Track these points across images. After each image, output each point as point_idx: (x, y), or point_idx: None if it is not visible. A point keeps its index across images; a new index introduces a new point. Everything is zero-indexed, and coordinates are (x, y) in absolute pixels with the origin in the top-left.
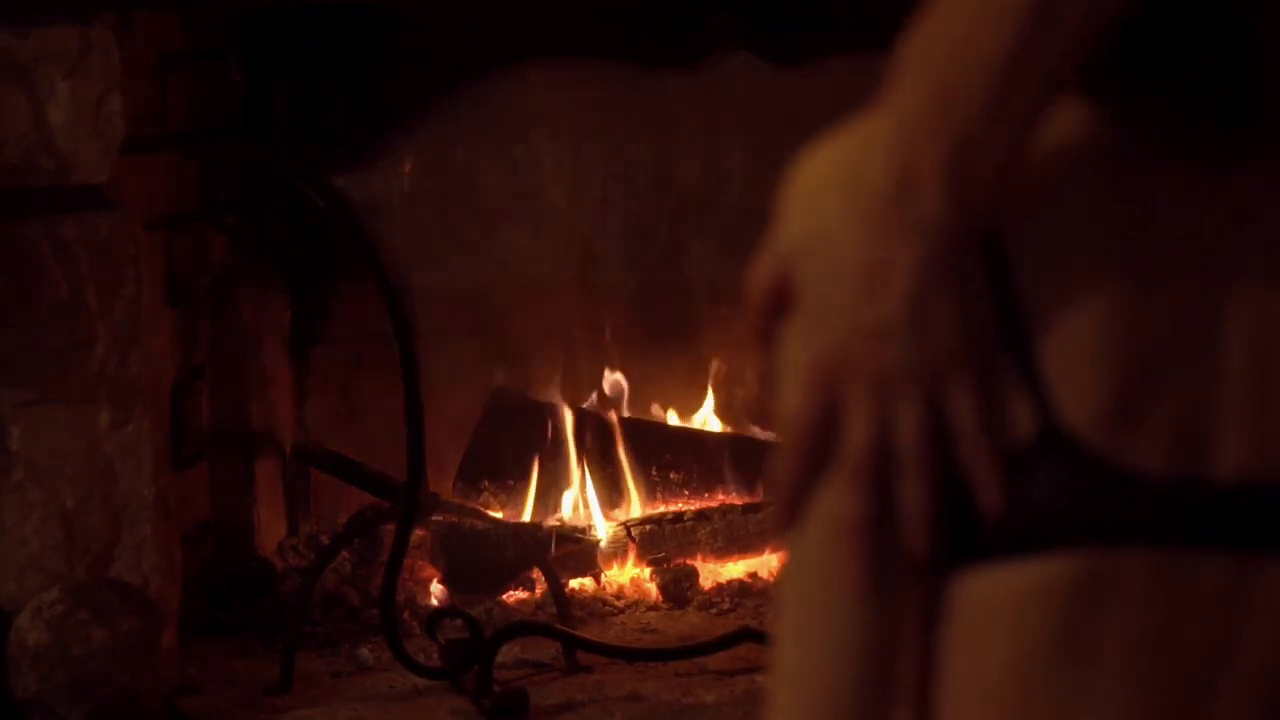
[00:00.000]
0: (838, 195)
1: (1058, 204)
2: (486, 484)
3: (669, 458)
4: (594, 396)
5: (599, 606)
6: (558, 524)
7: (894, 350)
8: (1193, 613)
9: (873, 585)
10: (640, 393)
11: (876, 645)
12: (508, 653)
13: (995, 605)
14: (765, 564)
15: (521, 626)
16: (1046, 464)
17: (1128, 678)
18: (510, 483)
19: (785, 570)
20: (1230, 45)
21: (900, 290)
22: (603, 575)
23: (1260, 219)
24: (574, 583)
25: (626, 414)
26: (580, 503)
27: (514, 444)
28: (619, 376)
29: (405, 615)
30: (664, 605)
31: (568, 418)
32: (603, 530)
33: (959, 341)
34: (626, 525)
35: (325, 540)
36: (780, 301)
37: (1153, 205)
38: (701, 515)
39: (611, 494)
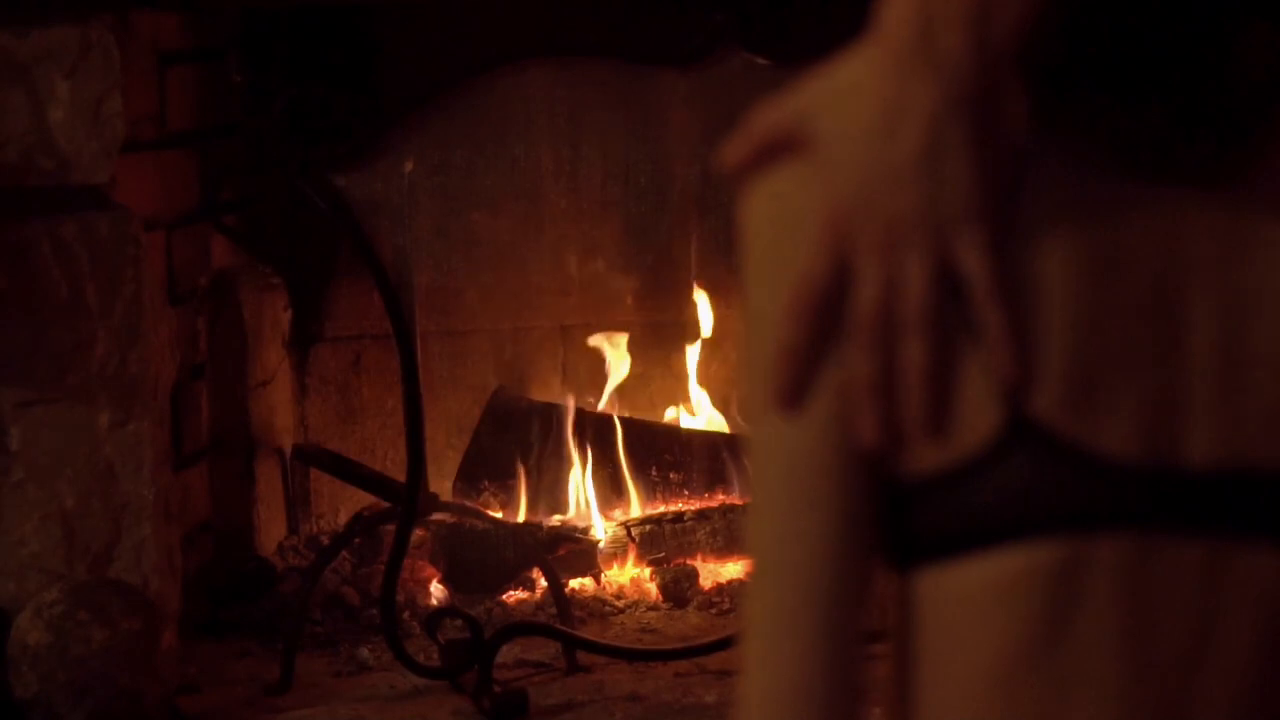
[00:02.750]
0: (860, 53)
1: (1021, 198)
2: (486, 484)
3: (669, 458)
4: (592, 396)
5: (599, 606)
6: (558, 524)
7: (907, 196)
8: (1171, 599)
9: (880, 459)
10: (640, 392)
11: (868, 547)
12: (508, 653)
13: (975, 599)
14: None
15: (521, 626)
16: (1018, 452)
17: (1112, 665)
18: (510, 483)
19: (768, 461)
20: (1213, 51)
21: (916, 129)
22: (603, 575)
23: (1227, 213)
24: (574, 583)
25: (626, 414)
26: (580, 503)
27: (514, 444)
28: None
29: (405, 615)
30: (664, 605)
31: (567, 418)
32: (602, 530)
33: (975, 189)
34: (626, 525)
35: (325, 540)
36: (784, 146)
37: (1118, 199)
38: (701, 515)
39: (611, 494)
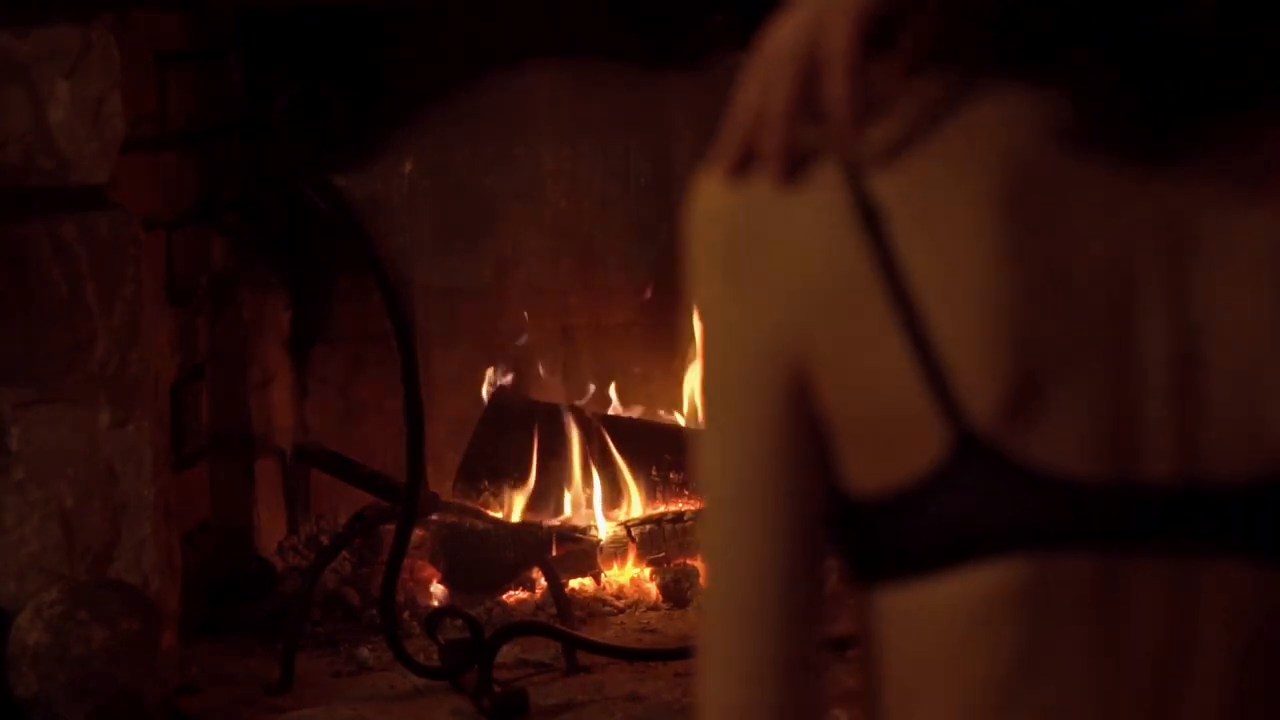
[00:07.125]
0: None
1: (949, 184)
2: (486, 484)
3: (669, 458)
4: (592, 396)
5: (599, 606)
6: (558, 524)
7: None
8: (1143, 617)
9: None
10: (640, 392)
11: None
12: (508, 653)
13: (944, 621)
14: None
15: (521, 626)
16: (969, 471)
17: (1089, 686)
18: (510, 483)
19: (716, 457)
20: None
21: None
22: (603, 575)
23: (1183, 213)
24: (574, 583)
25: (626, 413)
26: (580, 503)
27: (514, 444)
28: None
29: (405, 615)
30: (664, 605)
31: (567, 418)
32: (603, 530)
33: None
34: (626, 525)
35: (325, 540)
36: None
37: (1065, 195)
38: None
39: (612, 494)
